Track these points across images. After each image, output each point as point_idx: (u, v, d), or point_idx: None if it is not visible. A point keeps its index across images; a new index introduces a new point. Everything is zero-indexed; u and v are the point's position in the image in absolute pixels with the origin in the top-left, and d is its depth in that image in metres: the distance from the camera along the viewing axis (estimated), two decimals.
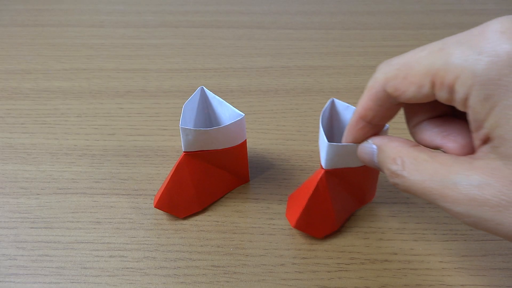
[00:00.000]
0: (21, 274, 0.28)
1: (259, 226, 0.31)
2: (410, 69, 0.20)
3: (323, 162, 0.27)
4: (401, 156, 0.21)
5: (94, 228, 0.31)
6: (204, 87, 0.32)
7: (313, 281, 0.27)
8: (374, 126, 0.24)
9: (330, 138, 0.31)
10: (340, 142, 0.29)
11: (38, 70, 0.48)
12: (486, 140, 0.18)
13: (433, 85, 0.19)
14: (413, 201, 0.32)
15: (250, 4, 0.62)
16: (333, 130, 0.31)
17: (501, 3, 0.61)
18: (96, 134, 0.39)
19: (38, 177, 0.34)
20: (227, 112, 0.31)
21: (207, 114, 0.33)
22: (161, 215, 0.31)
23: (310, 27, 0.56)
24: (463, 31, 0.19)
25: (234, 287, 0.27)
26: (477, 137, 0.19)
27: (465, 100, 0.18)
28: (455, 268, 0.28)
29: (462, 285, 0.27)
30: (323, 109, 0.28)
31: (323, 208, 0.29)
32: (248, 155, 0.33)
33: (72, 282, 0.27)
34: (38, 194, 0.33)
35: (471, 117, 0.18)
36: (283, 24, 0.57)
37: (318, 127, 0.28)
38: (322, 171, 0.27)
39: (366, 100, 0.23)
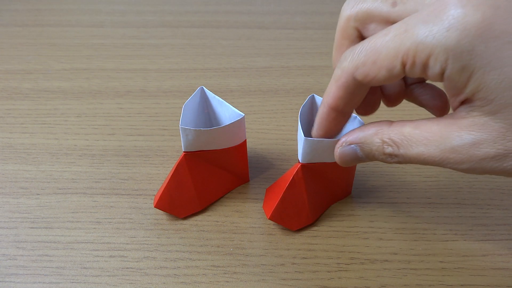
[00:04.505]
0: (21, 274, 0.28)
1: (259, 226, 0.31)
2: (378, 53, 0.21)
3: (300, 156, 0.28)
4: (388, 138, 0.22)
5: (94, 228, 0.31)
6: (204, 87, 0.32)
7: (313, 281, 0.27)
8: (344, 115, 0.24)
9: (310, 133, 0.31)
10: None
11: (38, 70, 0.48)
12: (464, 102, 0.20)
13: (404, 65, 0.20)
14: (413, 201, 0.32)
15: (250, 4, 0.62)
16: (313, 125, 0.31)
17: None
18: (96, 134, 0.39)
19: (38, 177, 0.34)
20: (227, 112, 0.31)
21: (207, 114, 0.33)
22: (161, 215, 0.31)
23: (310, 27, 0.56)
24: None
25: (234, 287, 0.27)
26: (455, 100, 0.21)
27: (441, 74, 0.19)
28: (455, 268, 0.28)
29: (462, 285, 0.27)
30: (303, 104, 0.29)
31: (298, 201, 0.29)
32: (248, 155, 0.33)
33: (72, 282, 0.27)
34: (38, 194, 0.33)
35: (448, 86, 0.20)
36: (283, 24, 0.57)
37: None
38: (299, 165, 0.28)
39: (335, 90, 0.23)
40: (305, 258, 0.29)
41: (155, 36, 0.54)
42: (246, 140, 0.32)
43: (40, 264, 0.28)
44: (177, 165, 0.30)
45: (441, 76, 0.20)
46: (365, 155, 0.24)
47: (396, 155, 0.22)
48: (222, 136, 0.29)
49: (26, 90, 0.45)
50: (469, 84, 0.19)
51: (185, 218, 0.31)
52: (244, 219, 0.31)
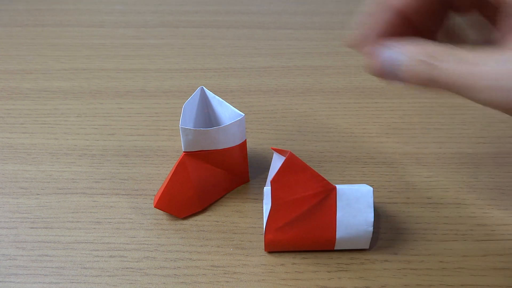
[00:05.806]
0: (21, 274, 0.28)
1: (259, 226, 0.31)
2: None
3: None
4: (431, 45, 0.20)
5: (94, 228, 0.31)
6: (204, 87, 0.32)
7: (313, 281, 0.27)
8: (409, 21, 0.22)
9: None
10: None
11: (38, 70, 0.48)
12: None
13: None
14: (413, 201, 0.32)
15: (250, 4, 0.62)
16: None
17: None
18: (96, 134, 0.39)
19: (38, 177, 0.34)
20: (227, 112, 0.31)
21: (207, 114, 0.33)
22: (161, 215, 0.31)
23: (310, 27, 0.56)
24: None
25: (234, 287, 0.27)
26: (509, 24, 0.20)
27: None
28: (455, 268, 0.28)
29: (462, 285, 0.27)
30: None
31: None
32: (248, 155, 0.33)
33: (72, 282, 0.27)
34: (38, 194, 0.33)
35: None
36: (283, 24, 0.57)
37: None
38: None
39: None
40: (305, 258, 0.29)
41: (155, 36, 0.54)
42: (246, 140, 0.32)
43: (40, 264, 0.28)
44: (177, 165, 0.30)
45: None
46: (402, 60, 0.21)
47: (435, 58, 0.19)
48: (222, 136, 0.29)
49: (26, 90, 0.45)
50: None
51: (185, 218, 0.31)
52: (244, 219, 0.31)
